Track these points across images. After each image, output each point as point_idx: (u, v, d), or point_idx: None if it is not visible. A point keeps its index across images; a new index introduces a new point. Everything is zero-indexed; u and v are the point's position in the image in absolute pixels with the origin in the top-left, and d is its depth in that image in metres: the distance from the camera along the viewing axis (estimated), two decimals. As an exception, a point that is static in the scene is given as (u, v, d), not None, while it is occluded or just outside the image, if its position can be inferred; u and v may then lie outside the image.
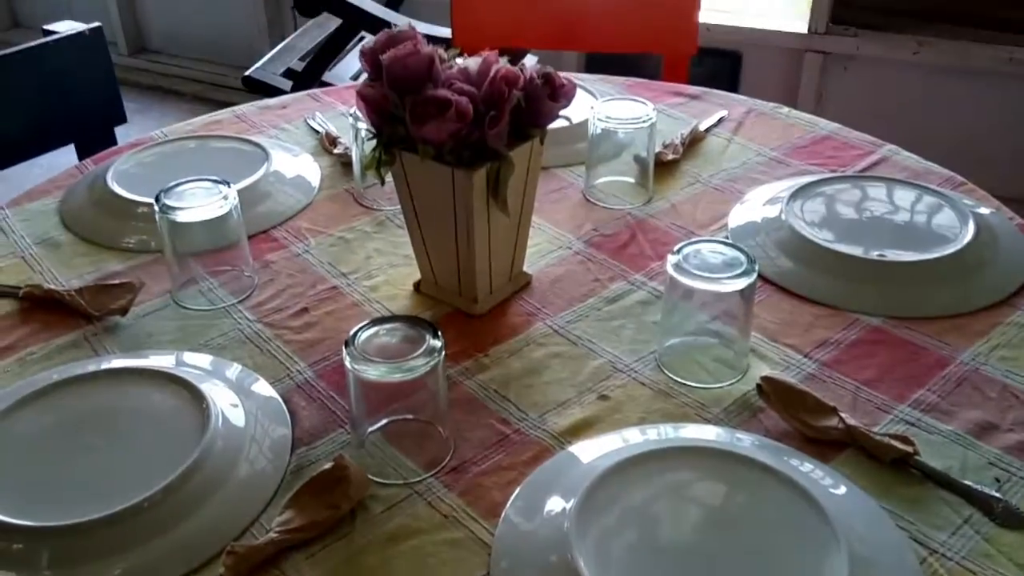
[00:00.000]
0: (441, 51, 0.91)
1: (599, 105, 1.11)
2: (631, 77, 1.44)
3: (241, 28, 3.26)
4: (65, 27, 1.42)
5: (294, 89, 2.29)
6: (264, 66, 2.35)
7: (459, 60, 0.92)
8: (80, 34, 1.41)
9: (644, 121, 1.09)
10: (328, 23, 2.43)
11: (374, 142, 0.88)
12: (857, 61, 2.45)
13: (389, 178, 0.89)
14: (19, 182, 1.37)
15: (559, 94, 0.88)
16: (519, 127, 0.88)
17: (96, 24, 1.43)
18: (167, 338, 0.89)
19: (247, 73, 2.32)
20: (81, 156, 1.45)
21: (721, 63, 2.63)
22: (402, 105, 0.84)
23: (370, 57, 0.88)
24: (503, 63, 0.88)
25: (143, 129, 3.00)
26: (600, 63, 2.75)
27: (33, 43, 1.38)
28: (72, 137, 1.44)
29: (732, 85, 2.63)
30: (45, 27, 1.43)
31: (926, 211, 1.04)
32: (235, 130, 1.29)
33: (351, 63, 2.45)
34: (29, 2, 3.71)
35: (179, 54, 3.46)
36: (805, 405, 0.77)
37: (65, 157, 1.46)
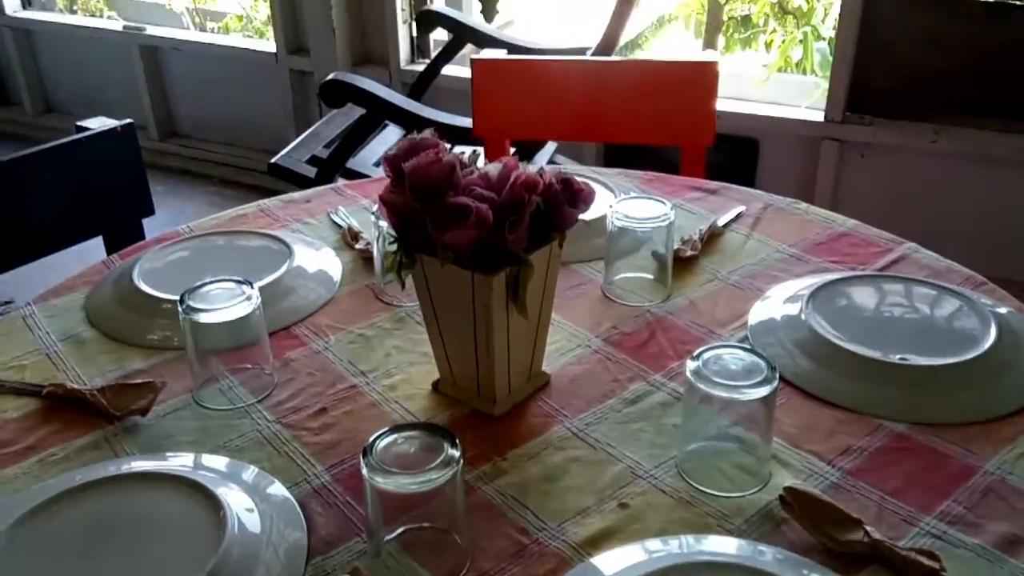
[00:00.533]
0: (463, 156, 0.94)
1: (617, 204, 1.12)
2: (649, 171, 1.46)
3: (268, 114, 3.34)
4: (97, 123, 1.46)
5: (318, 175, 2.33)
6: (289, 153, 2.41)
7: (480, 163, 0.94)
8: (112, 130, 1.45)
9: (662, 220, 1.10)
10: (352, 111, 2.48)
11: (396, 245, 0.89)
12: (874, 149, 2.47)
13: (409, 277, 0.90)
14: (47, 273, 1.40)
15: (578, 199, 0.89)
16: (539, 230, 0.89)
17: (127, 121, 1.48)
18: (186, 439, 0.90)
19: (273, 160, 2.37)
20: (109, 247, 1.48)
21: (738, 149, 2.66)
22: (423, 211, 0.86)
23: (393, 164, 0.90)
24: (523, 168, 0.90)
25: (170, 214, 3.10)
26: (618, 150, 2.79)
27: (66, 139, 1.43)
28: (101, 229, 1.47)
29: (750, 171, 2.66)
30: (78, 123, 1.47)
31: (947, 312, 1.04)
32: (260, 224, 1.31)
33: (374, 150, 2.50)
34: (64, 87, 3.83)
35: (208, 138, 3.55)
36: (830, 517, 0.75)
37: (94, 245, 1.49)
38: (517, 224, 0.85)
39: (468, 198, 0.85)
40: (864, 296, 1.07)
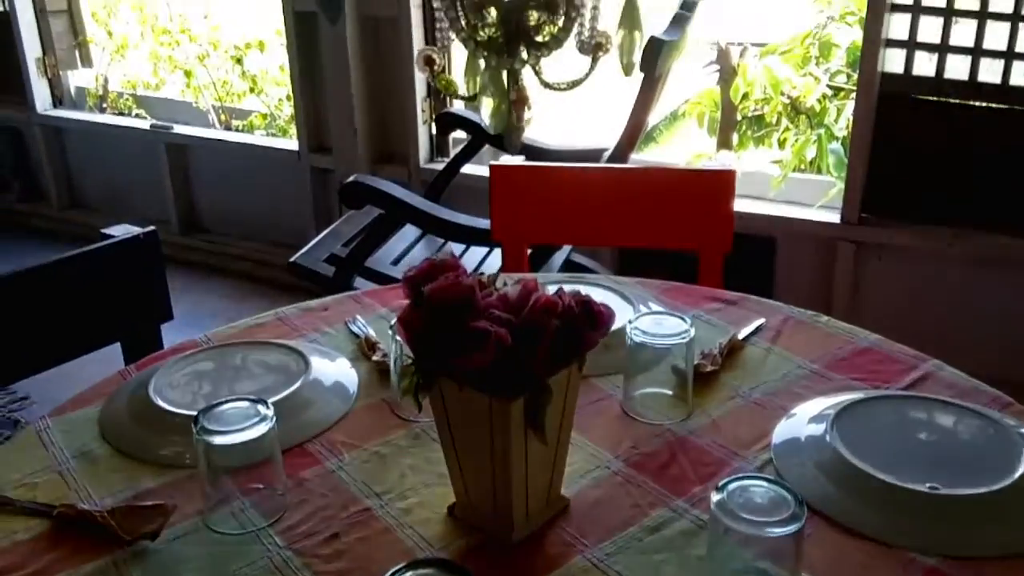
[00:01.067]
0: (483, 276, 0.93)
1: (636, 320, 1.11)
2: (666, 280, 1.45)
3: (290, 210, 3.39)
4: (121, 231, 1.48)
5: (336, 275, 2.35)
6: (309, 252, 2.43)
7: (499, 283, 0.94)
8: (135, 237, 1.47)
9: (682, 337, 1.08)
10: (372, 209, 2.51)
11: (413, 366, 0.88)
12: (891, 251, 2.47)
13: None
14: (62, 382, 1.41)
15: (598, 323, 0.89)
16: (558, 352, 0.88)
17: (151, 228, 1.49)
18: (194, 565, 0.87)
19: (292, 260, 2.39)
20: (126, 354, 1.48)
21: (756, 248, 2.66)
22: (442, 335, 0.85)
23: (412, 285, 0.90)
24: (542, 291, 0.90)
25: (189, 310, 3.11)
26: (636, 253, 2.80)
27: (89, 248, 1.44)
28: (119, 336, 1.47)
29: (767, 271, 2.66)
30: (103, 231, 1.49)
31: (976, 436, 1.01)
32: (277, 333, 1.31)
33: (392, 248, 2.52)
34: (90, 183, 3.91)
35: (229, 233, 3.59)
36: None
37: (111, 350, 1.49)
38: (535, 349, 0.84)
39: (486, 321, 0.85)
40: (890, 418, 1.05)
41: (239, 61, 3.78)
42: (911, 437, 1.02)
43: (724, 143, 3.75)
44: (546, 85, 0.81)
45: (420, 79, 3.02)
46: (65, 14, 3.99)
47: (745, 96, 3.48)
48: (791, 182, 3.06)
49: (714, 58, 3.82)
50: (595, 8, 0.75)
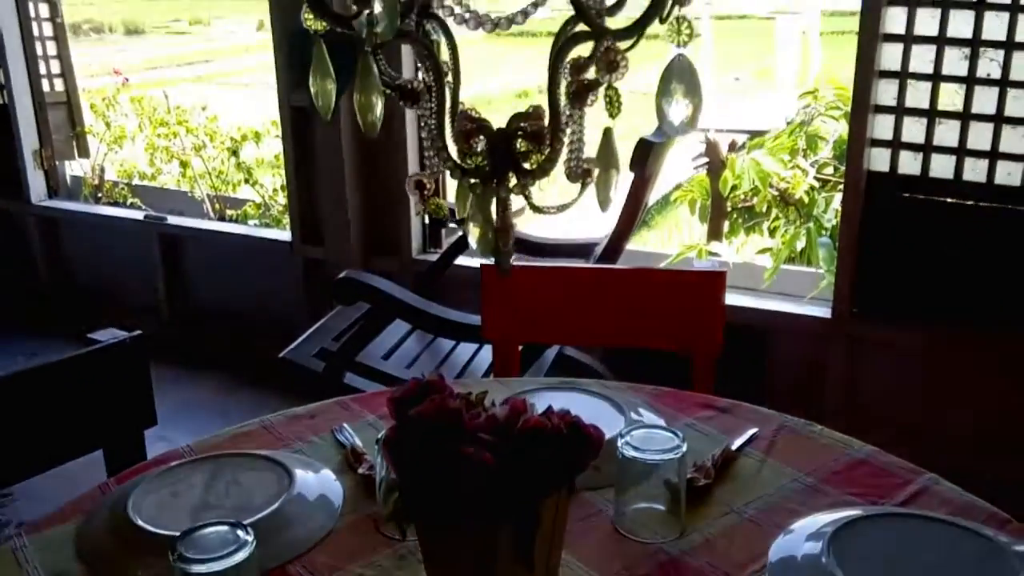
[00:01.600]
0: (470, 395, 0.92)
1: (627, 434, 1.10)
2: (658, 386, 1.44)
3: (281, 301, 3.39)
4: (107, 335, 1.47)
5: (326, 370, 2.33)
6: (299, 347, 2.41)
7: (488, 400, 0.93)
8: (121, 342, 1.45)
9: (674, 452, 1.07)
10: (363, 303, 2.51)
11: (396, 491, 0.86)
12: (883, 346, 2.47)
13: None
14: (46, 477, 1.38)
15: (587, 447, 0.87)
16: (547, 476, 0.86)
17: (137, 332, 1.48)
18: None
19: (282, 355, 2.37)
20: (108, 462, 1.45)
21: (748, 342, 2.65)
22: (427, 460, 0.83)
23: (397, 406, 0.88)
24: (531, 411, 0.89)
25: (177, 406, 3.08)
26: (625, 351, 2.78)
27: (74, 353, 1.42)
28: (102, 443, 1.45)
29: (760, 365, 2.65)
30: (89, 335, 1.48)
31: (974, 557, 0.99)
32: (262, 442, 1.28)
33: (383, 342, 2.51)
34: (84, 271, 3.90)
35: (220, 324, 3.57)
36: None
37: (93, 458, 1.46)
38: (524, 475, 0.83)
39: (473, 447, 0.83)
40: (887, 537, 1.02)
41: (235, 153, 3.83)
42: (909, 558, 1.00)
43: (715, 233, 3.78)
44: (536, 209, 0.81)
45: (413, 168, 3.06)
46: (64, 106, 4.06)
47: (734, 188, 3.53)
48: (782, 273, 3.07)
49: (703, 151, 3.89)
50: (580, 139, 0.75)
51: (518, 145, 0.76)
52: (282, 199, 3.69)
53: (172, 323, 3.63)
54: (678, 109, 0.67)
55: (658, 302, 1.75)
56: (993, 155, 2.20)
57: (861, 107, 2.29)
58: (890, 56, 2.24)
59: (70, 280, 3.96)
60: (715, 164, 3.75)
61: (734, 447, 1.25)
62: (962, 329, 2.33)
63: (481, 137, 0.77)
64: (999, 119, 2.17)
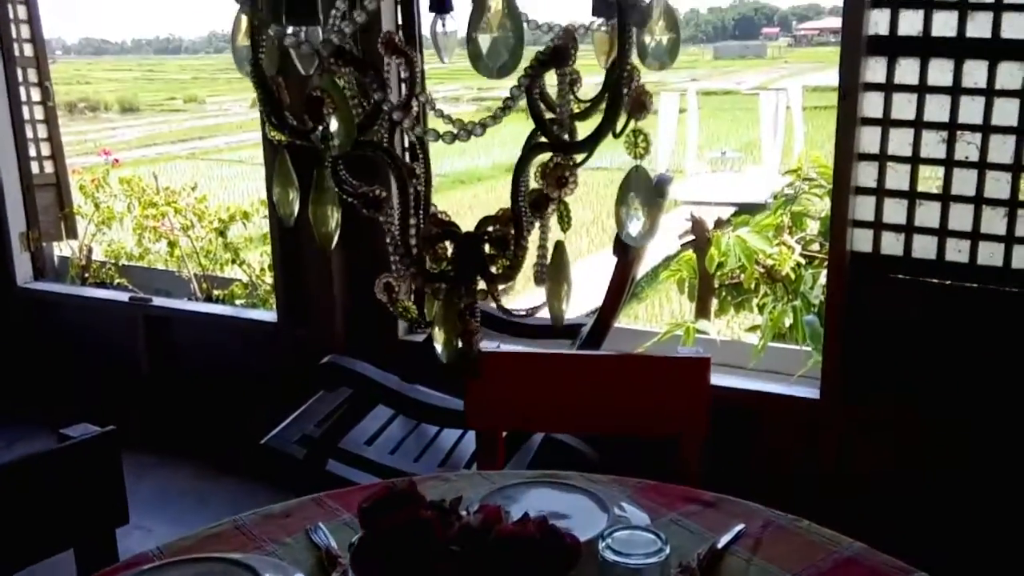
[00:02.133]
0: (445, 502, 0.90)
1: (608, 535, 1.06)
2: (643, 479, 1.41)
3: (265, 383, 3.34)
4: (80, 431, 1.44)
5: (307, 457, 2.29)
6: (280, 433, 2.37)
7: (464, 505, 0.90)
8: (94, 439, 1.42)
9: (657, 555, 1.03)
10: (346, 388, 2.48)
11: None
12: (872, 426, 2.44)
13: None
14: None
15: (563, 557, 0.84)
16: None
17: (110, 427, 1.45)
18: None
19: (263, 441, 2.33)
20: (79, 562, 1.40)
21: (737, 423, 2.62)
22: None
23: (366, 517, 0.86)
24: (506, 519, 0.86)
25: (153, 495, 3.01)
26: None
27: (46, 449, 1.39)
28: (72, 542, 1.40)
29: (748, 446, 2.61)
30: (61, 431, 1.45)
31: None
32: (234, 545, 1.24)
33: (367, 427, 2.47)
34: (69, 352, 3.86)
35: (202, 407, 3.51)
36: None
37: (63, 559, 1.42)
38: (497, 591, 0.80)
39: (445, 563, 0.80)
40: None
41: (222, 234, 3.84)
42: (902, 669, 0.96)
43: (702, 311, 3.78)
44: (505, 313, 0.79)
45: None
46: (53, 187, 4.07)
47: (720, 265, 3.54)
48: (771, 350, 3.06)
49: (688, 228, 3.91)
50: (542, 246, 0.74)
51: (485, 250, 0.75)
52: (269, 278, 3.69)
53: (155, 406, 3.58)
54: (636, 223, 0.66)
55: (643, 389, 1.73)
56: (975, 236, 2.21)
57: (842, 189, 2.31)
58: (869, 139, 2.27)
59: (54, 363, 3.91)
60: (701, 241, 3.77)
61: (720, 545, 1.21)
62: (948, 410, 2.31)
63: (448, 242, 0.76)
64: (979, 200, 2.19)
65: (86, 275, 4.03)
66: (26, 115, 3.86)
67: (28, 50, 3.88)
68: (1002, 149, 2.15)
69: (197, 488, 3.12)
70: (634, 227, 0.67)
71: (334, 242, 0.75)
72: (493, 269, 0.77)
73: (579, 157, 0.67)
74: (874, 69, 2.23)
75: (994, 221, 2.19)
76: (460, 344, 0.76)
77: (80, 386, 3.70)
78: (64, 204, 4.09)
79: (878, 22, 2.20)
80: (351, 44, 0.68)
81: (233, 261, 3.88)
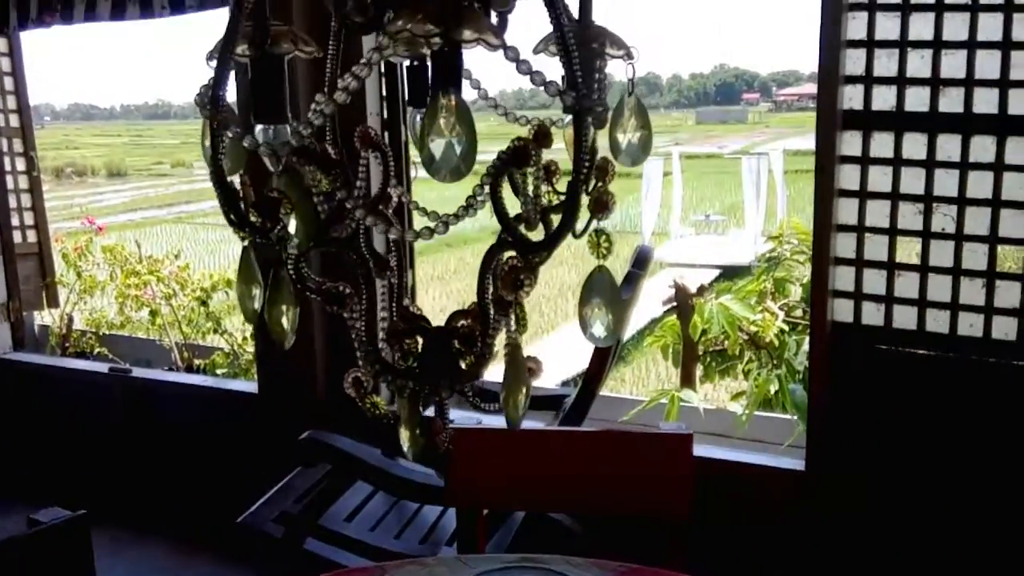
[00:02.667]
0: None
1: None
2: (624, 563, 1.38)
3: (245, 457, 3.29)
4: (50, 516, 1.40)
5: (285, 536, 2.24)
6: (257, 511, 2.32)
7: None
8: (63, 523, 1.39)
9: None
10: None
11: None
12: (859, 500, 2.41)
13: None
14: None
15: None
16: None
17: (81, 512, 1.42)
18: None
19: (240, 520, 2.28)
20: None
21: (720, 494, 2.59)
22: None
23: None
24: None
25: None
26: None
27: (15, 534, 1.36)
28: (33, 635, 1.36)
29: (733, 517, 2.58)
30: (31, 516, 1.41)
31: None
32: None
33: (348, 503, 2.43)
34: (46, 423, 3.80)
35: (179, 481, 3.45)
36: None
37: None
38: None
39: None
40: None
41: (204, 303, 3.82)
42: None
43: (687, 378, 3.77)
44: (475, 407, 0.78)
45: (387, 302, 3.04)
46: (35, 256, 4.06)
47: (704, 333, 3.53)
48: (758, 419, 3.04)
49: (672, 294, 3.93)
50: (515, 339, 0.73)
51: (453, 346, 0.74)
52: (251, 347, 3.65)
53: (132, 479, 3.51)
54: (599, 325, 0.66)
55: (625, 467, 1.71)
56: (954, 306, 2.22)
57: (822, 260, 2.32)
58: (847, 211, 2.29)
59: (32, 435, 3.85)
60: (684, 308, 3.78)
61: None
62: (935, 483, 2.29)
63: (416, 338, 0.75)
64: (957, 272, 2.20)
65: (66, 344, 3.99)
66: (10, 184, 3.87)
67: (14, 120, 3.91)
68: (978, 221, 2.17)
69: (173, 567, 3.05)
70: (598, 329, 0.66)
71: (290, 341, 0.74)
72: (463, 364, 0.76)
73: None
74: (850, 142, 2.26)
75: (972, 292, 2.20)
76: (426, 443, 0.75)
77: (57, 459, 3.63)
78: (46, 273, 4.08)
79: (852, 97, 2.24)
80: (313, 142, 0.68)
81: (215, 330, 3.85)
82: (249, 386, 3.36)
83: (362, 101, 2.77)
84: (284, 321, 0.71)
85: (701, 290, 3.91)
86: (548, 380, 5.17)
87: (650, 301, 4.56)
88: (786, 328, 3.50)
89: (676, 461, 1.67)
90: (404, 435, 0.75)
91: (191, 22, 2.92)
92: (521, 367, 0.68)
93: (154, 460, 3.56)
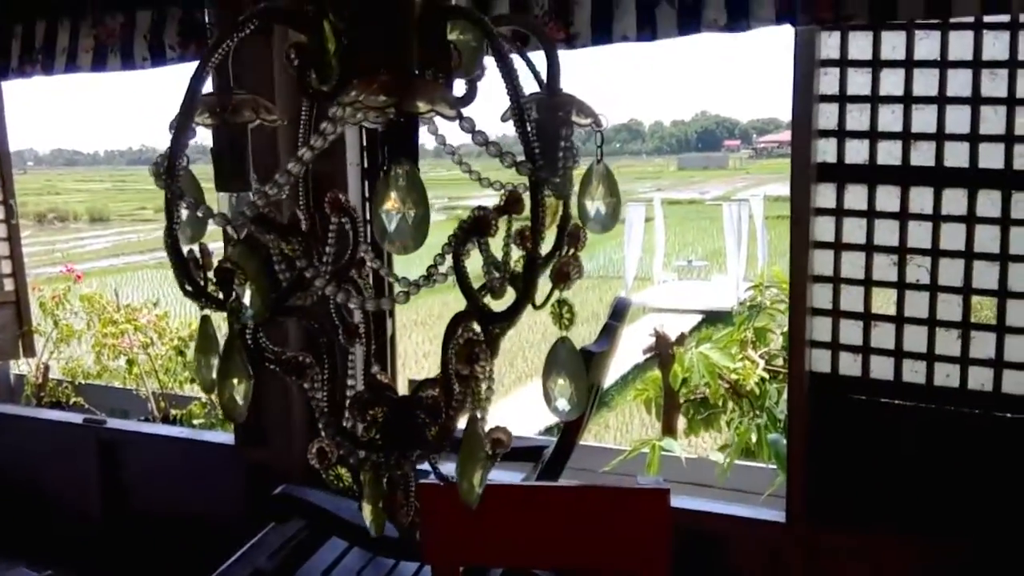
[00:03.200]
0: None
1: None
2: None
3: (221, 508, 3.24)
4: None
5: (259, 592, 2.19)
6: (231, 567, 2.28)
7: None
8: (23, 588, 1.35)
9: None
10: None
11: None
12: (839, 552, 2.39)
13: None
14: None
15: None
16: None
17: (48, 572, 1.38)
18: None
19: (212, 577, 2.23)
20: None
21: (700, 546, 2.56)
22: None
23: None
24: None
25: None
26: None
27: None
28: None
29: (713, 567, 2.55)
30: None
31: None
32: None
33: (323, 558, 2.38)
34: (19, 475, 3.73)
35: (155, 536, 3.39)
36: None
37: None
38: None
39: None
40: None
41: (181, 352, 3.79)
42: None
43: (668, 428, 3.75)
44: (442, 480, 0.77)
45: (358, 368, 3.02)
46: (12, 305, 4.02)
47: (685, 382, 3.53)
48: (738, 468, 3.02)
49: (652, 343, 3.92)
50: (483, 411, 0.72)
51: (418, 418, 0.73)
52: (229, 398, 3.61)
53: (106, 534, 3.44)
54: (562, 400, 0.65)
55: (602, 522, 1.69)
56: (930, 357, 2.22)
57: (798, 310, 2.33)
58: (822, 262, 2.30)
59: (3, 489, 3.78)
60: (665, 357, 3.77)
61: None
62: (912, 534, 2.28)
63: (380, 408, 0.74)
64: (932, 322, 2.21)
65: (42, 394, 3.93)
66: (-14, 232, 3.84)
67: (-7, 168, 3.89)
68: (951, 272, 2.19)
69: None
70: (562, 404, 0.65)
71: (242, 416, 0.72)
72: (428, 436, 0.74)
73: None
74: (824, 195, 2.28)
75: (948, 342, 2.21)
76: (388, 518, 0.73)
77: (26, 513, 3.56)
78: (23, 322, 4.03)
79: (826, 151, 2.26)
80: (273, 209, 0.68)
81: (192, 380, 3.81)
82: (226, 437, 3.31)
83: (342, 152, 2.77)
84: (236, 395, 0.70)
85: (681, 339, 3.91)
86: (529, 428, 5.14)
87: (633, 346, 4.55)
88: (767, 376, 3.50)
89: (653, 517, 1.65)
90: (367, 510, 0.74)
91: (175, 68, 2.92)
92: (477, 444, 0.67)
93: (129, 514, 3.50)
